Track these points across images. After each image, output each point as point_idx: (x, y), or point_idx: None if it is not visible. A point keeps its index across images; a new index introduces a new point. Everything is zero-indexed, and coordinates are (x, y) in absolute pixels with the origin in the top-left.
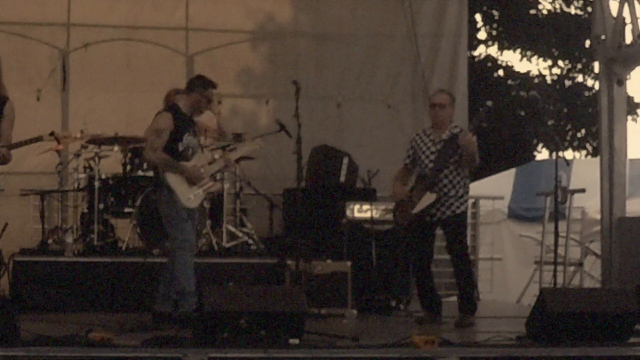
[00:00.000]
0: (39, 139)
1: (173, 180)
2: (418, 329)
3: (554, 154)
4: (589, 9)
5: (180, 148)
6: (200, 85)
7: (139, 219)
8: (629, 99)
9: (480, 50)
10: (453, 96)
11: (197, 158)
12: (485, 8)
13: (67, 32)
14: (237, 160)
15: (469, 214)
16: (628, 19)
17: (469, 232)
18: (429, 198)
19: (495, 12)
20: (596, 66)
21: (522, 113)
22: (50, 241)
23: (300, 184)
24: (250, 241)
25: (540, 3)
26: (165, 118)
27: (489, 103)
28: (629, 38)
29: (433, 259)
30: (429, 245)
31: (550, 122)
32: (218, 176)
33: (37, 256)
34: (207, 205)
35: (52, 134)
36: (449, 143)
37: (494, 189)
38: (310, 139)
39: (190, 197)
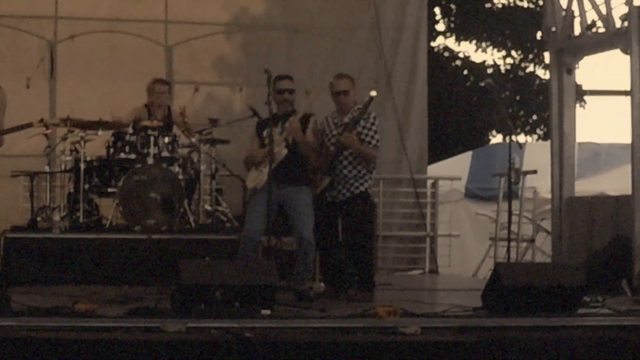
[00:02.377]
0: (29, 125)
1: (248, 174)
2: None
3: (507, 138)
4: (541, 3)
5: (266, 142)
6: (271, 83)
7: (121, 198)
8: (578, 87)
9: (439, 42)
10: (353, 79)
11: (269, 142)
12: (443, 2)
13: (55, 25)
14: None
15: (428, 193)
16: (577, 12)
17: (428, 211)
18: (324, 181)
19: (452, 6)
20: (547, 56)
21: (478, 100)
22: (39, 219)
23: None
24: (225, 219)
25: None
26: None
27: (373, 93)
28: (577, 30)
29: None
30: (334, 224)
31: (504, 109)
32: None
33: (27, 233)
34: (184, 184)
35: (41, 120)
36: (348, 126)
37: (452, 171)
38: None
39: (254, 177)
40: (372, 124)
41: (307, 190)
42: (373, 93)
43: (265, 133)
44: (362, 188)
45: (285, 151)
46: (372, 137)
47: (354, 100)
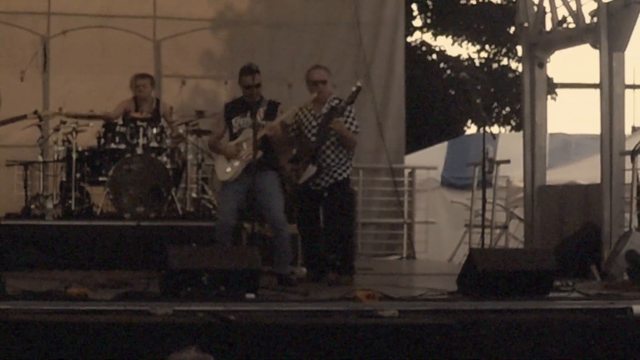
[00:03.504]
0: (24, 117)
1: (216, 160)
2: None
3: (481, 129)
4: None
5: (234, 130)
6: (238, 76)
7: (112, 186)
8: (549, 80)
9: (416, 36)
10: (329, 70)
11: (242, 135)
12: None
13: (48, 20)
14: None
15: (406, 182)
16: (548, 8)
17: (406, 199)
18: (311, 170)
19: (429, 2)
20: (519, 50)
21: (453, 92)
22: (32, 207)
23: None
24: (211, 206)
25: None
26: (219, 114)
27: (359, 84)
28: (548, 25)
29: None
30: (316, 212)
31: (478, 101)
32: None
33: (21, 220)
34: (172, 173)
35: (35, 112)
36: (328, 116)
37: (429, 160)
38: None
39: (227, 170)
40: (350, 111)
41: (274, 174)
42: (359, 83)
43: (234, 122)
44: (344, 175)
45: (260, 153)
46: (351, 123)
47: (330, 91)
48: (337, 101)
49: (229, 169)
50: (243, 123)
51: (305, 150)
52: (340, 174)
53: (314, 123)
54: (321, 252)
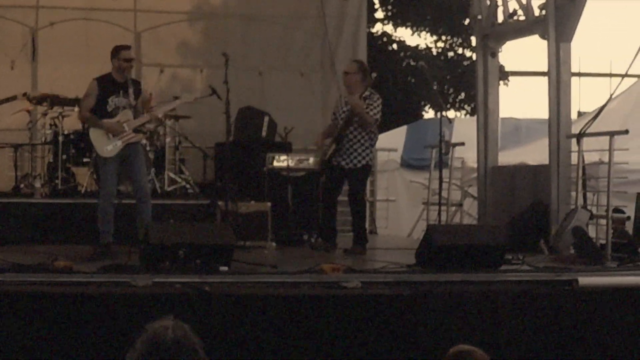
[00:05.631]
0: (14, 98)
1: (93, 134)
2: (317, 255)
3: (438, 114)
4: None
5: (109, 109)
6: (114, 54)
7: (95, 167)
8: (501, 68)
9: (378, 28)
10: (361, 65)
11: (122, 115)
12: None
13: (36, 13)
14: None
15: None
16: (500, 2)
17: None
18: (331, 148)
19: None
20: (473, 41)
21: (412, 80)
22: (22, 186)
23: (229, 138)
24: (188, 186)
25: None
26: (91, 85)
27: (374, 75)
28: (500, 18)
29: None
30: (336, 186)
31: (435, 87)
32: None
33: (11, 198)
34: (151, 155)
35: (25, 94)
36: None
37: (389, 143)
38: (237, 101)
39: (108, 147)
40: (375, 100)
41: (141, 147)
42: (374, 75)
43: (110, 101)
44: (363, 162)
45: (141, 136)
46: (371, 110)
47: (357, 82)
48: (367, 93)
49: (110, 147)
50: (119, 103)
51: (333, 131)
52: (359, 161)
53: (344, 109)
54: (334, 225)
